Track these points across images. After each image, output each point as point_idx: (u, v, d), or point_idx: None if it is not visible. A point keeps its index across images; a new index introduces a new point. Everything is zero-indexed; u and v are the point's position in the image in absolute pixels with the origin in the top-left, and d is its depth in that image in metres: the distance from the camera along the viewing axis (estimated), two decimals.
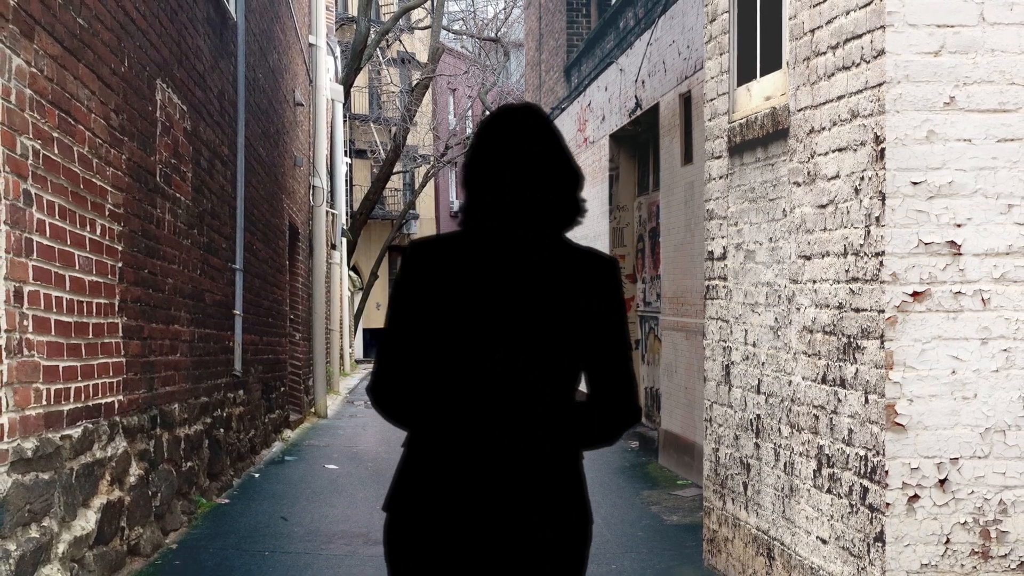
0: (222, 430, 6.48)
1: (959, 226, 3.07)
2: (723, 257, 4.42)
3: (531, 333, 1.73)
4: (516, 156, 1.78)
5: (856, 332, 3.23)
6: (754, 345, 4.08)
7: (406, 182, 27.07)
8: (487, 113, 1.90)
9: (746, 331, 4.16)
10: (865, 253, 3.19)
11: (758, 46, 4.11)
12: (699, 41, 6.40)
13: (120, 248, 4.30)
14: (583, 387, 1.84)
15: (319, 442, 9.17)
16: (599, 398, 1.78)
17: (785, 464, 3.79)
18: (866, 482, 3.17)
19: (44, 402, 3.42)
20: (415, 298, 1.75)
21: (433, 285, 1.74)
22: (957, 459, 3.05)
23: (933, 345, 3.06)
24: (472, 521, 1.69)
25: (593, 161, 9.89)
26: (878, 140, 3.11)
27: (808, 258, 3.60)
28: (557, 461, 1.74)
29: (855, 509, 3.24)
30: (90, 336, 3.90)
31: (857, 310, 3.23)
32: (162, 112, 5.02)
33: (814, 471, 3.54)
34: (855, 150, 3.25)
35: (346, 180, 18.20)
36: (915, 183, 3.07)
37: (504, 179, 1.77)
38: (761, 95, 4.08)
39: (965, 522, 3.05)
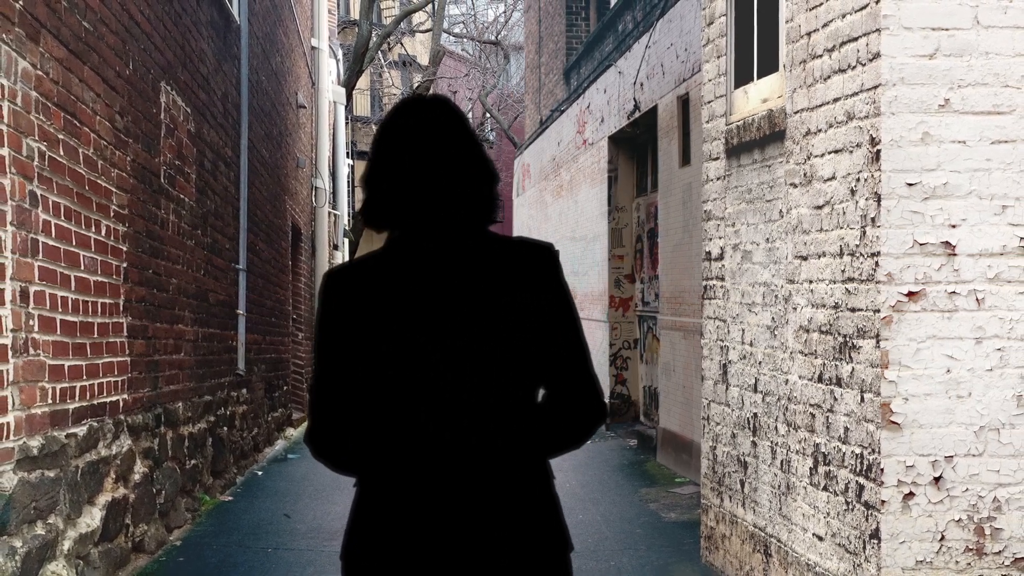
0: (226, 428, 6.52)
1: (954, 227, 3.10)
2: (720, 257, 4.45)
3: (473, 344, 1.55)
4: (428, 151, 1.60)
5: (852, 331, 3.27)
6: (751, 344, 4.12)
7: None
8: (394, 109, 1.72)
9: (743, 331, 4.20)
10: (861, 253, 3.22)
11: (755, 49, 4.14)
12: (697, 44, 6.44)
13: (125, 248, 4.34)
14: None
15: None
16: (559, 400, 1.61)
17: (782, 462, 3.82)
18: (862, 480, 3.20)
19: (50, 401, 3.45)
20: (340, 333, 1.58)
21: (357, 315, 1.57)
22: (952, 457, 3.09)
23: (928, 344, 3.09)
24: (436, 565, 1.52)
25: (592, 162, 9.93)
26: (874, 142, 3.15)
27: (804, 258, 3.63)
28: (525, 485, 1.57)
29: (851, 506, 3.27)
30: (95, 335, 3.94)
31: (853, 310, 3.27)
32: (166, 114, 5.06)
33: (810, 469, 3.57)
34: (851, 152, 3.28)
35: (348, 181, 18.23)
36: (910, 184, 3.10)
37: (415, 177, 1.59)
38: (758, 97, 4.12)
39: (960, 519, 3.09)
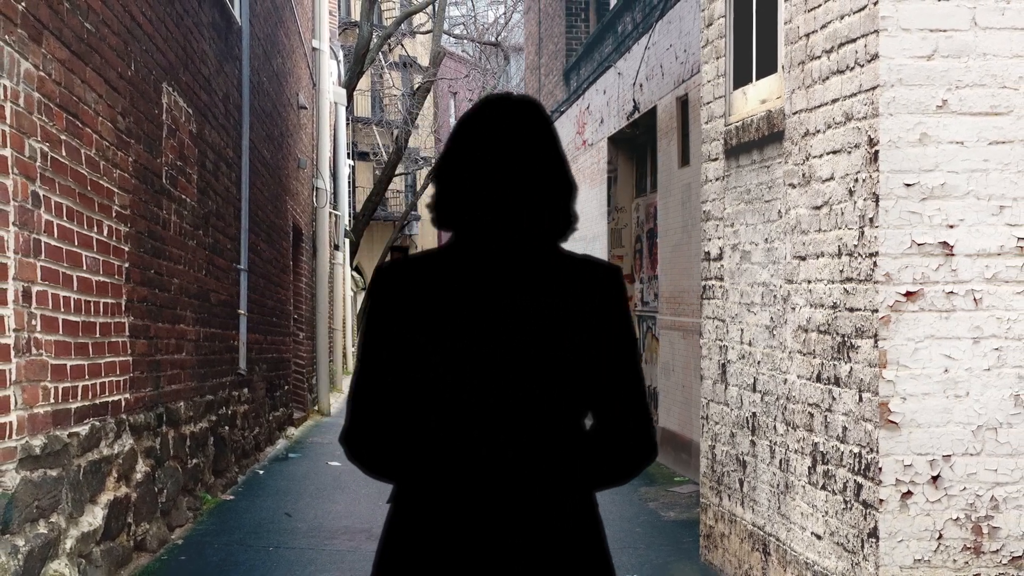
0: (227, 428, 6.54)
1: (951, 227, 3.12)
2: (719, 258, 4.47)
3: (528, 361, 1.46)
4: (510, 155, 1.50)
5: (850, 331, 3.28)
6: (750, 344, 4.13)
7: (408, 184, 27.12)
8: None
9: (742, 330, 4.22)
10: (859, 254, 3.24)
11: (754, 50, 4.16)
12: (696, 45, 6.46)
13: (127, 249, 4.36)
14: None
15: (322, 439, 9.24)
16: (609, 432, 1.51)
17: (780, 461, 3.84)
18: (860, 479, 3.22)
19: (52, 400, 3.47)
20: (388, 331, 1.48)
21: (409, 314, 1.47)
22: (949, 456, 3.10)
23: (926, 344, 3.11)
24: None
25: (592, 163, 9.95)
26: (872, 142, 3.16)
27: (803, 258, 3.65)
28: (570, 511, 1.48)
29: (849, 505, 3.29)
30: (97, 335, 3.96)
31: (851, 310, 3.28)
32: (168, 115, 5.08)
33: (809, 468, 3.59)
34: (849, 152, 3.30)
35: (349, 182, 18.26)
36: (908, 185, 3.12)
37: (492, 181, 1.49)
38: (757, 98, 4.13)
39: (957, 518, 3.10)
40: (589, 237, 10.17)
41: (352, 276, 18.77)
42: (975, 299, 3.11)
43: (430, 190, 1.59)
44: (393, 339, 1.48)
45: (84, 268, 3.80)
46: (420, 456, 1.48)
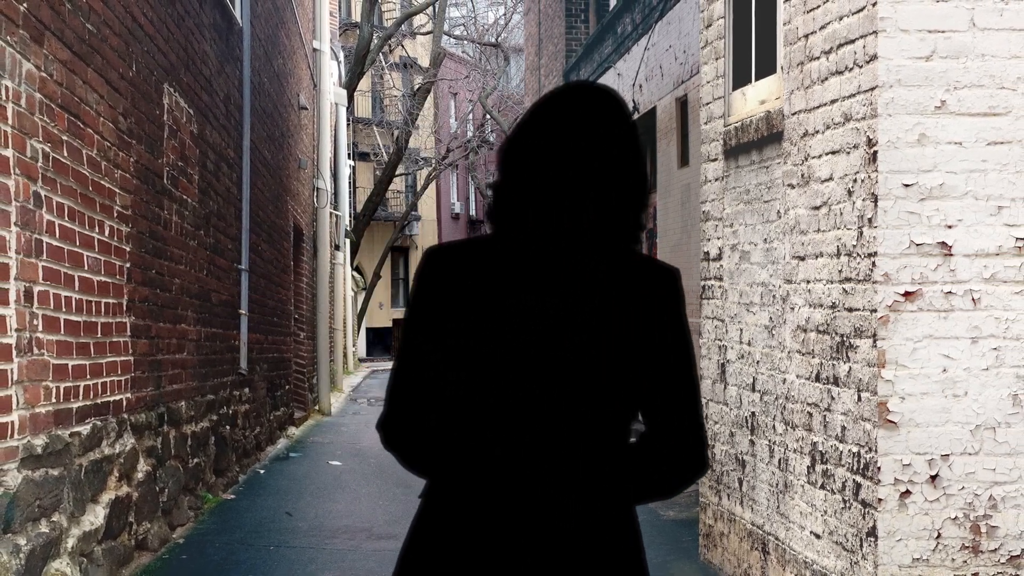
0: (228, 427, 6.55)
1: (950, 227, 3.13)
2: (719, 258, 4.48)
3: (578, 362, 1.38)
4: (581, 147, 1.39)
5: (849, 331, 3.29)
6: (749, 344, 4.14)
7: (408, 184, 27.14)
8: (540, 101, 1.36)
9: (741, 330, 4.23)
10: (858, 254, 3.25)
11: (753, 51, 4.17)
12: (695, 46, 6.47)
13: (128, 249, 4.37)
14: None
15: (323, 439, 9.26)
16: (659, 442, 1.43)
17: (779, 460, 3.85)
18: (859, 478, 3.23)
19: (54, 400, 3.48)
20: (435, 316, 1.40)
21: (457, 301, 1.39)
22: (948, 456, 3.11)
23: (924, 344, 3.12)
24: None
25: None
26: (870, 143, 3.17)
27: (802, 258, 3.66)
28: (611, 522, 1.40)
29: (848, 505, 3.30)
30: (99, 335, 3.97)
31: (850, 309, 3.29)
32: (169, 116, 5.10)
33: (808, 467, 3.60)
34: (848, 153, 3.31)
35: (349, 182, 18.27)
36: (907, 185, 3.13)
37: (561, 173, 1.38)
38: (756, 99, 4.14)
39: (956, 517, 3.11)
40: None
41: (353, 276, 18.79)
42: (973, 299, 3.12)
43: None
44: (438, 328, 1.40)
45: (85, 268, 3.81)
46: (457, 453, 1.41)
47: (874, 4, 3.14)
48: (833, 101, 3.40)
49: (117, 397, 4.22)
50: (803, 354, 3.63)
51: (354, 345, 19.49)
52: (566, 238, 1.39)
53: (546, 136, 1.40)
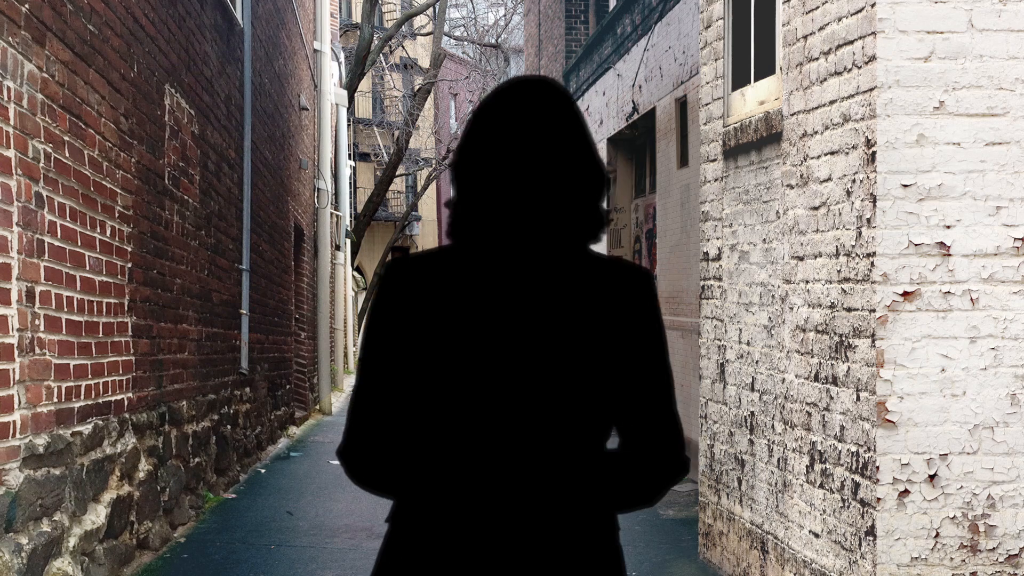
0: (229, 427, 6.56)
1: (948, 227, 3.14)
2: (718, 258, 4.49)
3: (548, 372, 1.33)
4: (529, 145, 1.34)
5: (848, 331, 3.30)
6: (748, 344, 4.15)
7: (409, 185, 27.17)
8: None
9: (740, 330, 4.24)
10: (856, 254, 3.26)
11: (752, 52, 4.18)
12: (695, 47, 6.49)
13: (129, 249, 4.38)
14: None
15: (323, 438, 9.27)
16: (637, 448, 1.37)
17: (778, 460, 3.86)
18: (857, 477, 3.24)
19: (55, 399, 3.49)
20: (397, 331, 1.34)
21: (420, 314, 1.33)
22: (946, 455, 3.12)
23: (923, 344, 3.13)
24: None
25: None
26: (869, 144, 3.18)
27: (801, 259, 3.67)
28: (589, 538, 1.34)
29: (847, 504, 3.31)
30: (100, 335, 3.99)
31: (849, 309, 3.30)
32: (170, 116, 5.11)
33: (807, 467, 3.61)
34: (847, 153, 3.32)
35: (350, 183, 18.30)
36: (905, 185, 3.14)
37: (512, 176, 1.33)
38: (755, 100, 4.15)
39: (954, 516, 3.12)
40: None
41: (353, 276, 18.81)
42: (972, 299, 3.13)
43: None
44: (398, 344, 1.34)
45: (87, 268, 3.82)
46: (425, 474, 1.34)
47: (873, 5, 3.16)
48: (832, 102, 3.42)
49: (118, 397, 4.23)
50: (802, 354, 3.64)
51: (355, 345, 19.51)
52: (528, 241, 1.34)
53: (493, 140, 1.36)
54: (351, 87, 14.48)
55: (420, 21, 21.40)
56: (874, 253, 3.14)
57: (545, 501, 1.32)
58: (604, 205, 1.41)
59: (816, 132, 3.54)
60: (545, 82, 1.39)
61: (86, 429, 3.80)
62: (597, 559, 1.34)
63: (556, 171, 1.34)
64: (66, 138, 3.60)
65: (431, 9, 17.68)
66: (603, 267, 1.38)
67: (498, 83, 1.27)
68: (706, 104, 4.64)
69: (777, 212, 3.89)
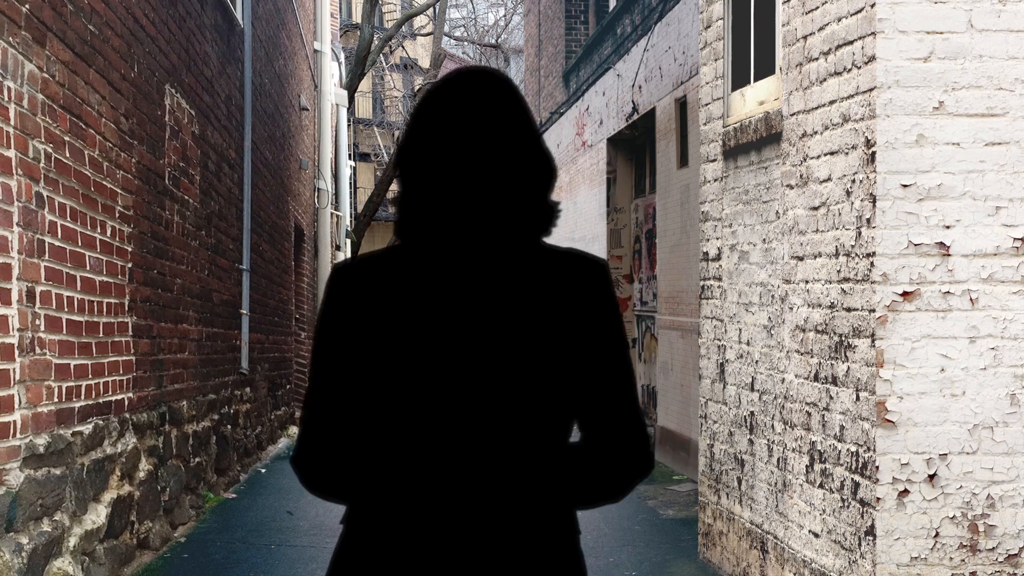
0: (229, 426, 6.57)
1: (948, 227, 3.14)
2: (718, 258, 4.50)
3: (503, 369, 1.29)
4: (475, 138, 1.30)
5: (847, 331, 3.31)
6: (748, 344, 4.16)
7: None
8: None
9: (740, 330, 4.24)
10: (856, 254, 3.26)
11: (752, 52, 4.19)
12: (695, 47, 6.49)
13: (130, 249, 4.39)
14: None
15: None
16: (598, 444, 1.33)
17: (778, 460, 3.86)
18: (857, 477, 3.24)
19: (56, 399, 3.50)
20: (345, 338, 1.31)
21: (369, 319, 1.30)
22: (946, 455, 3.13)
23: (923, 344, 3.13)
24: None
25: (591, 164, 9.98)
26: (869, 144, 3.19)
27: (801, 259, 3.67)
28: (546, 541, 1.31)
29: (846, 504, 3.31)
30: (100, 335, 3.99)
31: (848, 309, 3.31)
32: (171, 116, 5.11)
33: (806, 467, 3.61)
34: (846, 153, 3.33)
35: (350, 183, 18.30)
36: (905, 186, 3.14)
37: (457, 171, 1.29)
38: (755, 100, 4.16)
39: (954, 516, 3.12)
40: (588, 238, 10.20)
41: None
42: (971, 299, 3.14)
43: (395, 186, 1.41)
44: (349, 350, 1.31)
45: (87, 268, 3.83)
46: (381, 479, 1.31)
47: (872, 5, 3.16)
48: (832, 102, 3.42)
49: (119, 396, 4.24)
50: (802, 354, 3.65)
51: None
52: (477, 238, 1.30)
53: (437, 133, 1.31)
54: (351, 87, 14.49)
55: (420, 21, 21.40)
56: (874, 253, 3.15)
57: (503, 503, 1.29)
58: (551, 197, 1.37)
59: (816, 132, 3.54)
60: (489, 73, 1.36)
61: (86, 429, 3.81)
62: (556, 562, 1.31)
63: (502, 165, 1.31)
64: (66, 138, 3.60)
65: (431, 9, 17.68)
66: (557, 259, 1.34)
67: (435, 80, 1.32)
68: (706, 104, 4.65)
69: (777, 212, 3.89)
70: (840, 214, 3.36)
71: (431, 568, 1.28)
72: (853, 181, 3.28)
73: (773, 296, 3.92)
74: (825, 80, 3.47)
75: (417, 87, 20.20)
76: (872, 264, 3.16)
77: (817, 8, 3.53)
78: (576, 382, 1.32)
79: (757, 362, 4.07)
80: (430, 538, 1.28)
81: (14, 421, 3.16)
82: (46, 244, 3.41)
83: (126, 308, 4.33)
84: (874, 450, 3.13)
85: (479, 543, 1.28)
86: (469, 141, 1.30)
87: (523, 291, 1.31)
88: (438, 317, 1.30)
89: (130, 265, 4.39)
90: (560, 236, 11.39)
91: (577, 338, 1.31)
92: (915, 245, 3.14)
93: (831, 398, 3.42)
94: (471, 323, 1.30)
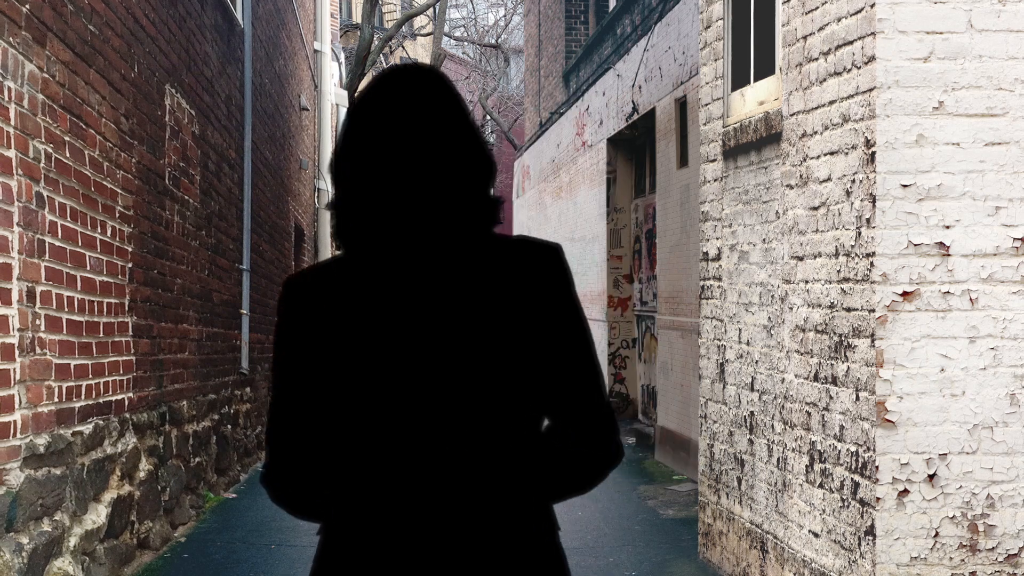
0: (229, 426, 6.57)
1: (948, 228, 3.14)
2: (718, 258, 4.50)
3: (463, 366, 1.27)
4: (408, 137, 1.27)
5: (847, 331, 3.31)
6: (748, 343, 4.16)
7: None
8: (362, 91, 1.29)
9: (740, 330, 4.24)
10: (856, 254, 3.26)
11: (752, 52, 4.19)
12: (694, 47, 6.49)
13: (130, 249, 4.39)
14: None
15: None
16: (568, 433, 1.31)
17: (778, 460, 3.86)
18: (857, 477, 3.24)
19: (56, 399, 3.50)
20: (303, 353, 1.30)
21: (324, 329, 1.29)
22: (946, 455, 3.13)
23: (922, 344, 3.13)
24: None
25: (591, 164, 9.99)
26: (869, 144, 3.19)
27: (800, 259, 3.68)
28: (524, 539, 1.29)
29: (846, 503, 3.32)
30: (101, 335, 3.99)
31: (848, 309, 3.31)
32: (171, 116, 5.12)
33: (806, 466, 3.61)
34: (846, 153, 3.33)
35: None
36: (905, 186, 3.15)
37: (392, 171, 1.27)
38: (755, 100, 4.16)
39: (953, 516, 3.13)
40: (588, 238, 10.21)
41: None
42: (971, 299, 3.14)
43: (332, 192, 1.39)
44: (307, 362, 1.30)
45: (88, 268, 3.83)
46: (350, 489, 1.30)
47: (872, 5, 3.16)
48: (831, 102, 3.42)
49: (119, 396, 4.24)
50: (801, 354, 3.65)
51: None
52: (420, 237, 1.28)
53: (370, 134, 1.29)
54: (351, 87, 14.49)
55: (420, 21, 21.41)
56: (874, 253, 3.15)
57: (475, 502, 1.27)
58: (492, 192, 1.34)
59: (816, 132, 3.54)
60: (420, 68, 1.33)
61: (87, 429, 3.81)
62: (534, 559, 1.29)
63: (438, 162, 1.28)
64: (67, 138, 3.60)
65: (431, 9, 17.69)
66: (507, 248, 1.31)
67: (369, 81, 1.31)
68: (706, 104, 4.65)
69: (777, 212, 3.89)
70: (840, 214, 3.36)
71: (409, 571, 1.26)
72: (853, 181, 3.28)
73: (773, 296, 3.92)
74: (825, 80, 3.47)
75: None
76: (872, 264, 3.16)
77: (817, 8, 3.54)
78: (538, 372, 1.30)
79: (757, 362, 4.07)
80: (406, 541, 1.27)
81: (14, 421, 3.17)
82: (46, 244, 3.41)
83: (126, 308, 4.33)
84: (874, 450, 3.13)
85: (455, 543, 1.26)
86: (402, 140, 1.28)
87: (477, 283, 1.29)
88: (393, 320, 1.28)
89: (130, 265, 4.39)
90: (560, 236, 11.39)
91: (534, 326, 1.29)
92: (915, 245, 3.14)
93: (831, 398, 3.42)
94: (427, 322, 1.28)
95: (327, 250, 12.01)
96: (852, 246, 3.28)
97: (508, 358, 1.28)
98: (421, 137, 1.28)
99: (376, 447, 1.29)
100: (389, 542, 1.27)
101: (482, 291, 1.29)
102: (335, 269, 1.32)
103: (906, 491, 3.12)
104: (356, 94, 1.35)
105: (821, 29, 3.50)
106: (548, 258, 1.31)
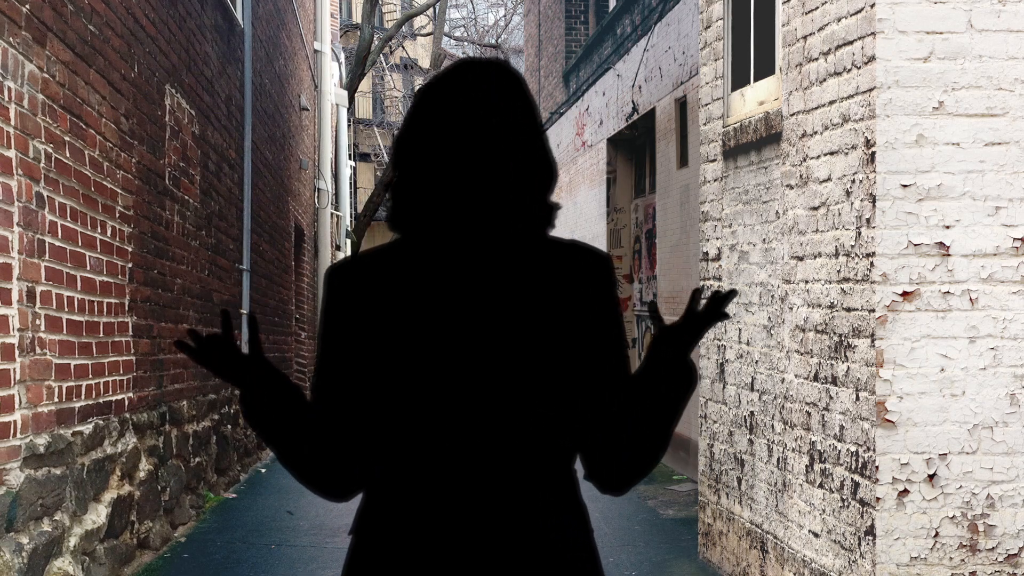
0: (229, 426, 6.57)
1: (948, 228, 3.14)
2: (718, 258, 4.50)
3: (505, 365, 1.27)
4: (479, 131, 1.26)
5: (847, 331, 3.31)
6: (748, 343, 4.16)
7: None
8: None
9: (740, 330, 4.24)
10: (856, 254, 3.26)
11: (752, 52, 4.19)
12: (694, 47, 6.49)
13: (130, 249, 4.39)
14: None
15: None
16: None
17: (778, 460, 3.86)
18: (857, 477, 3.24)
19: (56, 399, 3.50)
20: (347, 340, 1.29)
21: (370, 316, 1.28)
22: (946, 455, 3.13)
23: (922, 344, 3.13)
24: None
25: (591, 164, 9.99)
26: (869, 144, 3.19)
27: (800, 259, 3.68)
28: (561, 540, 1.28)
29: (846, 503, 3.32)
30: (101, 335, 3.99)
31: (848, 309, 3.31)
32: (171, 117, 5.12)
33: (806, 466, 3.61)
34: (846, 153, 3.33)
35: (350, 183, 18.31)
36: (905, 186, 3.15)
37: (459, 163, 1.26)
38: (755, 100, 4.16)
39: (953, 516, 3.13)
40: (588, 237, 10.21)
41: None
42: (971, 299, 3.14)
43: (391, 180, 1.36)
44: (352, 350, 1.28)
45: (88, 268, 3.83)
46: (388, 481, 1.29)
47: (872, 6, 3.16)
48: (831, 102, 3.42)
49: (119, 396, 4.24)
50: (801, 354, 3.65)
51: None
52: (476, 230, 1.27)
53: (440, 122, 1.27)
54: (351, 87, 14.49)
55: (420, 21, 21.41)
56: (873, 253, 3.15)
57: (512, 499, 1.27)
58: (551, 198, 1.34)
59: (816, 132, 3.54)
60: (498, 65, 1.32)
61: (87, 429, 3.81)
62: (572, 560, 1.28)
63: (506, 160, 1.27)
64: (67, 138, 3.60)
65: (431, 9, 17.69)
66: (560, 251, 1.32)
67: (441, 70, 1.51)
68: (706, 104, 4.65)
69: (777, 212, 3.89)
70: (840, 214, 3.36)
71: (443, 570, 1.25)
72: (853, 181, 3.28)
73: (773, 296, 3.92)
74: (825, 80, 3.47)
75: (417, 87, 20.20)
76: (872, 264, 3.16)
77: (817, 8, 3.54)
78: (576, 373, 1.29)
79: (757, 362, 4.07)
80: (442, 540, 1.26)
81: (14, 421, 3.17)
82: (46, 244, 3.41)
83: (126, 308, 4.34)
84: (874, 450, 3.13)
85: (491, 543, 1.26)
86: (474, 133, 1.27)
87: (526, 282, 1.29)
88: (441, 310, 1.27)
89: (130, 265, 4.39)
90: (560, 235, 11.38)
91: (578, 328, 1.29)
92: (915, 245, 3.14)
93: (831, 398, 3.42)
94: (475, 315, 1.27)
95: (327, 250, 12.01)
96: (852, 246, 3.28)
97: (549, 356, 1.28)
98: (493, 133, 1.27)
99: (420, 437, 1.28)
100: (427, 538, 1.26)
101: (531, 289, 1.28)
102: (383, 256, 1.31)
103: (906, 491, 3.12)
104: (427, 80, 1.32)
105: (821, 29, 3.50)
106: (599, 265, 1.32)
